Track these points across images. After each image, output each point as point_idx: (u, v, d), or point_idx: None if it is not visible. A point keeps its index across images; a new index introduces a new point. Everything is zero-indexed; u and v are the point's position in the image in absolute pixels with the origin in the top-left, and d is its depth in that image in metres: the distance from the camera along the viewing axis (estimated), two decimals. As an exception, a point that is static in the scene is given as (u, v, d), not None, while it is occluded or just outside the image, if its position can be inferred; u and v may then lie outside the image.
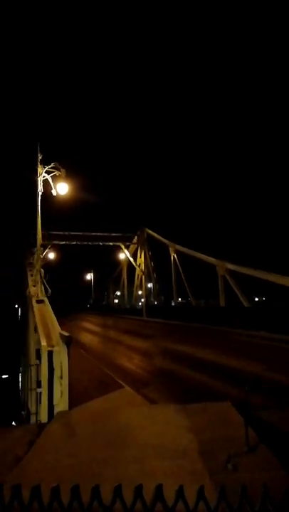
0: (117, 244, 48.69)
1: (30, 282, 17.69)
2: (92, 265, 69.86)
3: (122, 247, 48.68)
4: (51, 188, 15.46)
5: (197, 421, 5.78)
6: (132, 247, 48.84)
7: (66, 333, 7.29)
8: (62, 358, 6.60)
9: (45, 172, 15.41)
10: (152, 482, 1.24)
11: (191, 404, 6.74)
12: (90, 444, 5.09)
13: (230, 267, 26.15)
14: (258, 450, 4.60)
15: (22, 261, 31.17)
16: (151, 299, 45.63)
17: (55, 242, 46.13)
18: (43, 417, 6.21)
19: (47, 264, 53.50)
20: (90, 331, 27.61)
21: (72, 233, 46.23)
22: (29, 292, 15.95)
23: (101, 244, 48.69)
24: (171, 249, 38.08)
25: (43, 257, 47.70)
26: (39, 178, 15.47)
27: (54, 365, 6.59)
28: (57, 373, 6.45)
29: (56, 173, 15.34)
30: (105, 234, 47.22)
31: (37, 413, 7.49)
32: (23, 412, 12.56)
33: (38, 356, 8.21)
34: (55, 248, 48.59)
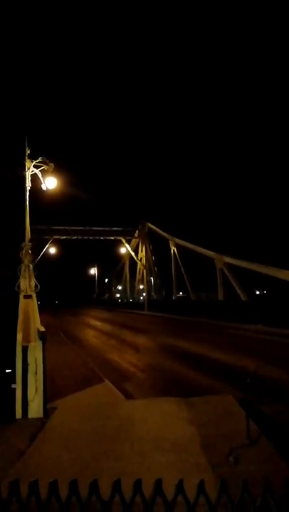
0: (118, 238, 48.65)
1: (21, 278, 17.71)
2: (95, 260, 69.85)
3: (123, 241, 48.63)
4: (42, 183, 15.49)
5: (198, 414, 5.79)
6: (134, 241, 48.81)
7: (42, 329, 7.33)
8: (37, 354, 6.62)
9: (35, 167, 15.41)
10: (153, 476, 1.23)
11: (192, 398, 6.75)
12: (92, 437, 5.10)
13: (228, 260, 26.06)
14: (259, 443, 4.61)
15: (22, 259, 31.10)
16: (152, 293, 45.66)
17: (56, 236, 46.20)
18: (18, 413, 6.20)
19: (49, 259, 53.57)
20: (88, 326, 27.68)
21: (73, 228, 46.24)
22: (17, 288, 16.04)
23: (102, 238, 48.68)
24: (171, 243, 37.98)
25: (44, 251, 47.70)
26: (27, 173, 15.48)
27: (28, 360, 6.60)
28: (31, 369, 6.46)
29: (45, 167, 15.35)
30: (106, 228, 47.20)
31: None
32: None
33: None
34: (59, 243, 48.70)
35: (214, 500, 1.00)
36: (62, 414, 6.27)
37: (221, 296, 27.67)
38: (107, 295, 73.37)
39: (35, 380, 6.37)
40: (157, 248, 44.94)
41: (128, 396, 7.52)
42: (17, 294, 8.73)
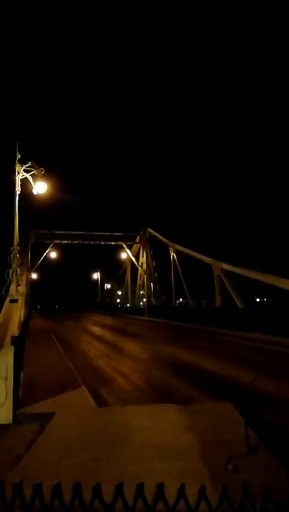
0: (119, 243, 48.75)
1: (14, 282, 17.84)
2: (97, 265, 70.07)
3: (124, 246, 48.71)
4: (33, 188, 15.63)
5: (197, 421, 5.78)
6: (135, 246, 48.88)
7: (15, 334, 7.39)
8: (8, 359, 6.65)
9: (27, 171, 15.50)
10: (153, 482, 1.25)
11: (191, 405, 6.74)
12: (91, 443, 5.09)
13: (226, 267, 25.97)
14: (258, 451, 4.60)
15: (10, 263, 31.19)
16: (152, 299, 45.61)
17: (58, 241, 46.31)
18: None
19: (50, 263, 53.53)
20: (84, 330, 27.65)
21: (74, 232, 46.38)
22: (5, 291, 16.15)
23: (103, 243, 48.77)
24: (171, 249, 37.99)
25: (45, 256, 47.63)
26: (17, 177, 15.60)
27: None
28: (2, 374, 6.49)
29: (35, 171, 15.46)
30: (107, 233, 47.32)
31: None
32: None
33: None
34: (61, 248, 48.78)
35: (214, 506, 1.01)
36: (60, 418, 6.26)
37: (218, 303, 27.59)
38: (107, 300, 73.35)
39: (6, 386, 6.40)
40: (158, 254, 44.99)
41: (102, 403, 7.52)
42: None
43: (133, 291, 51.98)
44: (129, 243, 48.72)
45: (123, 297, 61.23)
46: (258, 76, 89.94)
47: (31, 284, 55.73)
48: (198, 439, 5.03)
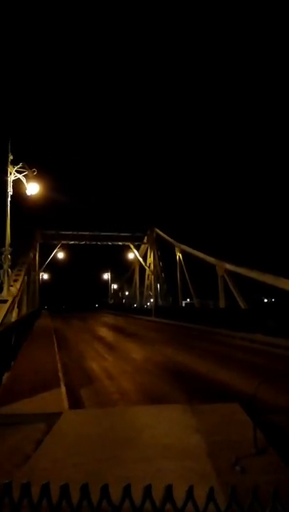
0: (126, 243, 48.78)
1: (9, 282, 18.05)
2: (106, 265, 70.31)
3: (132, 246, 48.74)
4: (26, 188, 15.72)
5: (205, 422, 5.76)
6: (143, 246, 48.86)
7: None
8: None
9: (19, 172, 15.55)
10: (160, 483, 1.24)
11: (199, 405, 6.72)
12: (98, 443, 5.10)
13: (229, 267, 25.79)
14: (266, 452, 4.57)
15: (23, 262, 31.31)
16: (159, 300, 45.56)
17: (65, 241, 46.54)
18: None
19: (57, 264, 53.71)
20: (88, 330, 27.73)
21: (82, 233, 46.54)
22: None
23: (110, 243, 48.87)
24: (177, 249, 37.84)
25: (53, 256, 47.78)
26: (9, 178, 15.66)
27: None
28: None
29: (27, 172, 15.53)
30: (114, 233, 47.38)
31: None
32: None
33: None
34: (68, 248, 49.01)
35: (223, 509, 1.01)
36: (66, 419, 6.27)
37: (222, 304, 27.44)
38: (112, 300, 73.55)
39: None
40: (164, 254, 44.89)
41: (76, 404, 7.51)
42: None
43: (141, 292, 52.00)
44: (136, 243, 48.76)
45: (131, 297, 61.33)
46: (262, 74, 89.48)
47: (42, 284, 56.15)
48: (205, 440, 5.01)
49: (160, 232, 42.70)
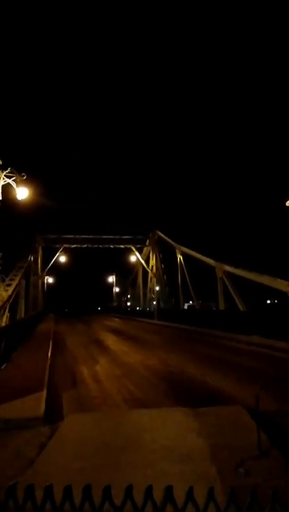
0: (128, 246, 48.84)
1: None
2: (109, 268, 70.52)
3: (133, 249, 48.79)
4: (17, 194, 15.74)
5: (208, 424, 5.76)
6: (146, 249, 48.89)
7: None
8: None
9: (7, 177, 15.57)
10: (163, 485, 1.25)
11: (202, 408, 6.72)
12: (101, 447, 5.10)
13: (228, 268, 25.76)
14: (269, 455, 4.57)
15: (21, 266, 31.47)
16: (161, 302, 45.53)
17: (67, 245, 46.64)
18: None
19: (63, 267, 53.76)
20: (85, 333, 27.75)
21: (83, 236, 46.65)
22: None
23: (112, 246, 48.96)
24: (177, 252, 37.85)
25: (55, 260, 47.91)
26: None
27: None
28: None
29: (15, 177, 15.56)
30: (116, 237, 47.46)
31: None
32: None
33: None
34: (71, 252, 49.12)
35: (223, 509, 1.02)
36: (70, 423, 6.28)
37: (221, 306, 27.39)
38: (115, 303, 73.68)
39: None
40: (167, 256, 44.89)
41: (55, 408, 7.47)
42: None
43: (144, 294, 52.00)
44: (138, 246, 48.83)
45: (135, 300, 61.35)
46: (262, 76, 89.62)
47: (47, 288, 56.19)
48: (208, 443, 5.02)
49: (162, 235, 42.71)
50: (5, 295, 18.69)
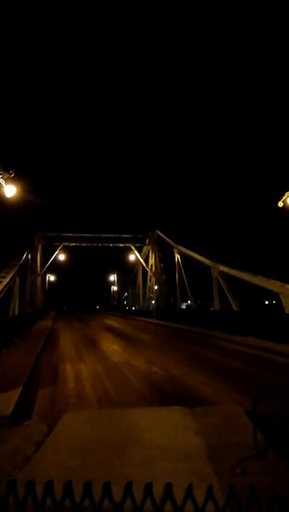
0: (128, 245, 48.85)
1: None
2: (109, 267, 70.65)
3: (133, 248, 48.81)
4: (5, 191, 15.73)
5: (205, 424, 5.77)
6: (146, 248, 48.89)
7: None
8: None
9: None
10: (162, 483, 1.26)
11: (199, 407, 6.73)
12: (99, 445, 5.11)
13: (223, 268, 25.71)
14: (266, 454, 4.59)
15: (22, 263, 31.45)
16: (160, 302, 45.58)
17: (66, 243, 46.64)
18: None
19: (63, 266, 53.69)
20: (80, 330, 27.77)
21: (83, 235, 46.65)
22: None
23: (111, 245, 48.98)
24: (175, 251, 37.83)
25: (54, 258, 47.87)
26: None
27: None
28: None
29: (2, 174, 15.55)
30: (116, 235, 47.46)
31: None
32: None
33: None
34: (71, 250, 49.12)
35: (222, 506, 1.03)
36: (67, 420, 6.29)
37: (216, 306, 27.35)
38: (115, 302, 73.78)
39: None
40: (166, 256, 44.89)
41: (27, 406, 7.47)
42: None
43: (144, 293, 52.05)
44: (138, 245, 48.84)
45: (135, 299, 61.45)
46: (263, 78, 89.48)
47: (48, 286, 56.15)
48: (205, 442, 5.03)
49: (161, 234, 42.70)
50: None
